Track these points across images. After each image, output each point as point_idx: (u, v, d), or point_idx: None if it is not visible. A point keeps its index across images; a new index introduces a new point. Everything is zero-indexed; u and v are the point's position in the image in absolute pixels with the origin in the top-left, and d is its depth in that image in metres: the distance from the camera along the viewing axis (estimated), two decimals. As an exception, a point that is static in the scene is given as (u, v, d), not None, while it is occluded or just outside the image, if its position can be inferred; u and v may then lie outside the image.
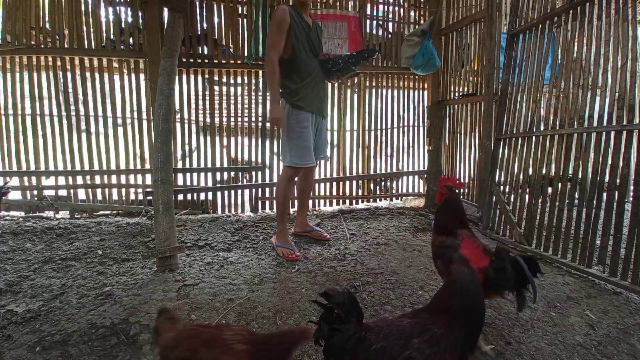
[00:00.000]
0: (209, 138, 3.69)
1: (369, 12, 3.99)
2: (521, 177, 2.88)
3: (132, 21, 3.42)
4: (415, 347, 0.99)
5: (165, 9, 3.37)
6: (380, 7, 4.12)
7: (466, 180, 3.86)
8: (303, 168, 2.56)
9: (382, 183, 4.37)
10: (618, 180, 2.15)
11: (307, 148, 2.51)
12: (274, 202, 2.77)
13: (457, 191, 1.92)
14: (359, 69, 2.86)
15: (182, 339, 1.12)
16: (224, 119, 3.81)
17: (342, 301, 1.05)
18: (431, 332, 1.02)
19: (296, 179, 2.72)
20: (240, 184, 3.83)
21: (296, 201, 2.98)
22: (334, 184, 4.11)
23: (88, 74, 3.44)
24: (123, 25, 3.41)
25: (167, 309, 1.27)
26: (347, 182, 4.15)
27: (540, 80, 2.75)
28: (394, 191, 4.37)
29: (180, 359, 1.07)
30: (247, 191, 3.84)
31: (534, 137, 2.76)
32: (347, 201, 4.17)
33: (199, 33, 3.57)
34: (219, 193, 3.75)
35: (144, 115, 3.54)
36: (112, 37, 3.40)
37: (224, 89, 3.87)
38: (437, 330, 1.02)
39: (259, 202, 3.85)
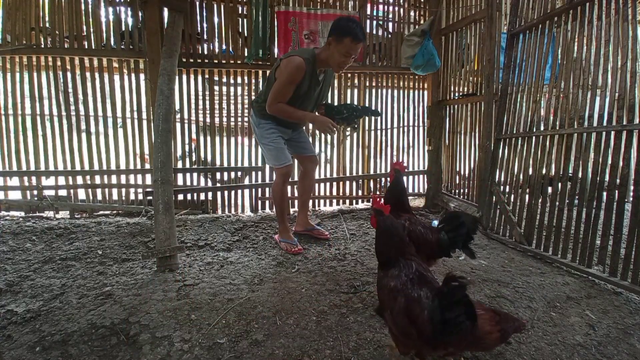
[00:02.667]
0: (209, 138, 3.69)
1: (369, 12, 3.99)
2: (521, 177, 2.89)
3: (132, 21, 3.42)
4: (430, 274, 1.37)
5: (165, 9, 3.37)
6: (380, 7, 4.12)
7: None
8: (284, 168, 2.56)
9: (382, 183, 4.37)
10: (618, 180, 2.15)
11: (278, 149, 2.55)
12: (272, 193, 2.83)
13: (402, 175, 2.12)
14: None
15: None
16: (224, 119, 3.81)
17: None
18: (415, 261, 1.37)
19: (295, 178, 2.74)
20: (240, 184, 3.83)
21: (296, 201, 2.99)
22: (334, 184, 4.11)
23: (88, 74, 3.44)
24: (123, 26, 3.41)
25: None
26: (347, 182, 4.15)
27: (540, 80, 2.75)
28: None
29: None
30: (247, 191, 3.85)
31: (534, 137, 2.76)
32: (347, 201, 4.17)
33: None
34: (219, 193, 3.76)
35: (144, 115, 3.54)
36: (112, 37, 3.40)
37: (224, 89, 3.88)
38: (415, 259, 1.38)
39: (259, 202, 3.85)
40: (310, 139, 3.24)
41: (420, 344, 1.24)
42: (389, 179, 2.16)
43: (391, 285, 1.30)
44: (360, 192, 4.24)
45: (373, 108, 3.31)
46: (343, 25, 2.24)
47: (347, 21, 2.28)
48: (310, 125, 3.19)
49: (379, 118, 4.18)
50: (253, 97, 3.74)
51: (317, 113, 2.61)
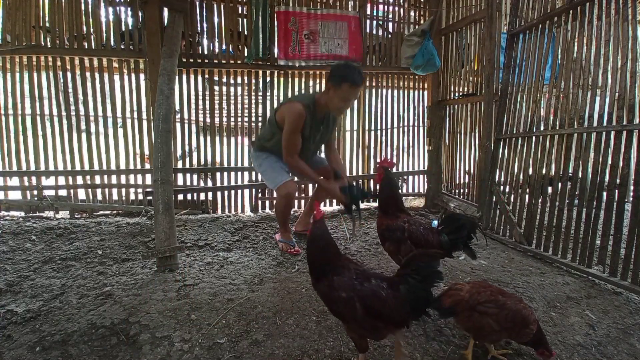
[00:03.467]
0: (209, 138, 3.69)
1: (369, 12, 3.99)
2: (521, 177, 2.89)
3: (132, 21, 3.42)
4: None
5: (165, 9, 3.37)
6: (380, 7, 4.12)
7: (466, 180, 3.87)
8: (283, 187, 2.49)
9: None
10: (618, 180, 2.15)
11: (273, 169, 2.55)
12: (275, 211, 2.75)
13: (391, 171, 2.12)
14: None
15: (480, 288, 1.49)
16: (224, 119, 3.81)
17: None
18: (349, 262, 1.42)
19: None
20: (240, 184, 3.83)
21: (303, 201, 2.95)
22: (334, 184, 4.10)
23: (88, 74, 3.44)
24: (123, 26, 3.41)
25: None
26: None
27: (540, 80, 2.75)
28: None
29: (483, 302, 1.42)
30: (247, 191, 3.85)
31: (534, 137, 2.76)
32: (347, 201, 4.16)
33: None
34: (219, 193, 3.76)
35: (144, 115, 3.54)
36: (112, 37, 3.40)
37: (224, 89, 3.88)
38: (346, 261, 1.42)
39: (259, 202, 3.85)
40: None
41: (389, 330, 1.33)
42: (377, 180, 2.12)
43: (343, 296, 1.28)
44: (360, 192, 4.24)
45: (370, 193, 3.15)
46: (341, 72, 2.29)
47: (345, 68, 2.34)
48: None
49: (378, 118, 4.19)
50: (253, 99, 3.77)
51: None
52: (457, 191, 4.01)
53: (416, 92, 4.32)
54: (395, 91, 4.26)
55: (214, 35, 3.61)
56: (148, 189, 3.52)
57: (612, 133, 2.17)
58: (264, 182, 3.80)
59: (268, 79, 3.77)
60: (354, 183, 2.64)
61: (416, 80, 4.27)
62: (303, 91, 3.93)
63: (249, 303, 1.86)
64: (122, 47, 3.40)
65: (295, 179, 2.68)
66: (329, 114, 2.55)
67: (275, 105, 3.78)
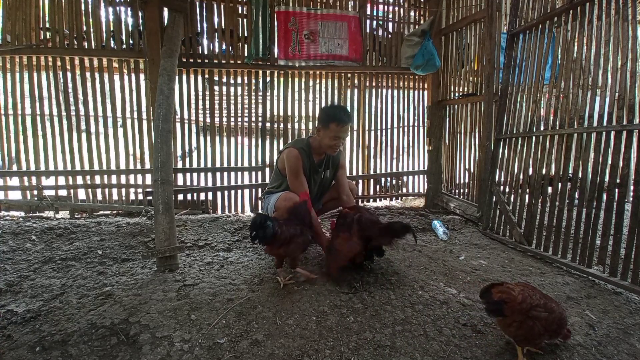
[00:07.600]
0: (209, 138, 3.69)
1: (369, 12, 4.00)
2: (521, 177, 2.88)
3: (132, 21, 3.42)
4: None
5: (165, 9, 3.37)
6: (380, 7, 4.13)
7: (466, 181, 3.87)
8: (282, 198, 2.49)
9: (382, 183, 4.38)
10: (618, 180, 2.15)
11: (277, 195, 2.56)
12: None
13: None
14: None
15: (529, 290, 1.47)
16: (224, 119, 3.82)
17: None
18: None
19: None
20: (240, 184, 3.83)
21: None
22: (334, 184, 4.10)
23: (88, 74, 3.45)
24: (123, 25, 3.41)
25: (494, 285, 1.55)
26: (347, 182, 4.15)
27: (540, 80, 2.75)
28: (393, 191, 4.38)
29: (536, 306, 1.41)
30: (247, 191, 3.85)
31: (534, 137, 2.76)
32: (347, 201, 4.16)
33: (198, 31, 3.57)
34: (219, 193, 3.76)
35: (144, 115, 3.54)
36: (112, 37, 3.40)
37: (224, 89, 3.88)
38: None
39: (259, 202, 3.85)
40: None
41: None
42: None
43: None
44: (360, 192, 4.24)
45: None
46: (328, 113, 2.43)
47: (331, 108, 2.51)
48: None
49: (378, 118, 4.19)
50: (253, 99, 3.78)
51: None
52: (457, 191, 4.01)
53: (416, 92, 4.33)
54: (395, 91, 4.26)
55: (214, 36, 3.61)
56: (148, 189, 3.52)
57: (612, 133, 2.17)
58: (264, 182, 3.84)
59: (268, 79, 3.78)
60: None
61: (416, 80, 4.28)
62: (303, 91, 3.95)
63: (249, 303, 1.85)
64: (123, 47, 3.41)
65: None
66: (327, 157, 2.63)
67: (275, 109, 3.84)
